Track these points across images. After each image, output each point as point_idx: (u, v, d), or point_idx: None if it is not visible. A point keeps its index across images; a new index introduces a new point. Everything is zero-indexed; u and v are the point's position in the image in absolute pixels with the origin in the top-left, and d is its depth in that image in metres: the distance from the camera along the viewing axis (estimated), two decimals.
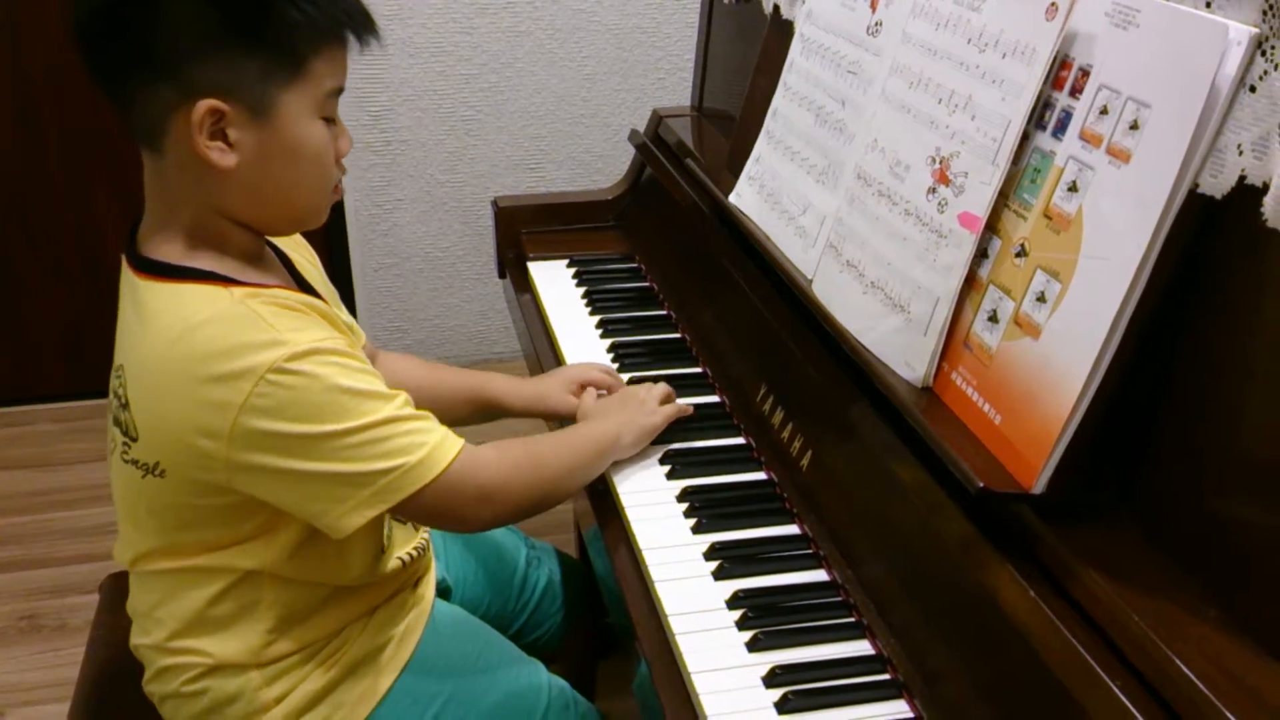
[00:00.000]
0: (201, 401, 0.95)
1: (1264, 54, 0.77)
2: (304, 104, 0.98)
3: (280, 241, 1.14)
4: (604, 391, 1.34)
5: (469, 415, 1.35)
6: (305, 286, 1.13)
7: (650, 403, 1.27)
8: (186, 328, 0.96)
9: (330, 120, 1.01)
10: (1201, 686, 0.72)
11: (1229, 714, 0.70)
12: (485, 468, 1.07)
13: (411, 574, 1.19)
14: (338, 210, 2.60)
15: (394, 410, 1.00)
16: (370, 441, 0.98)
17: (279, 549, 1.04)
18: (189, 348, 0.96)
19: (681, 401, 1.31)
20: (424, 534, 1.22)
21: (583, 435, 1.22)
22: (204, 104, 0.94)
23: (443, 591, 1.31)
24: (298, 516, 1.02)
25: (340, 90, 1.01)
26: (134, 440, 1.01)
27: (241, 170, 0.97)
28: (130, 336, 1.03)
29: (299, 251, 1.18)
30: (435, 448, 1.02)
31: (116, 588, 1.36)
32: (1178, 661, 0.74)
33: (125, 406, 1.02)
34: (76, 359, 2.69)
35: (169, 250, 1.01)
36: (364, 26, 1.01)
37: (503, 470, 1.09)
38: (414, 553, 1.17)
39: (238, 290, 0.98)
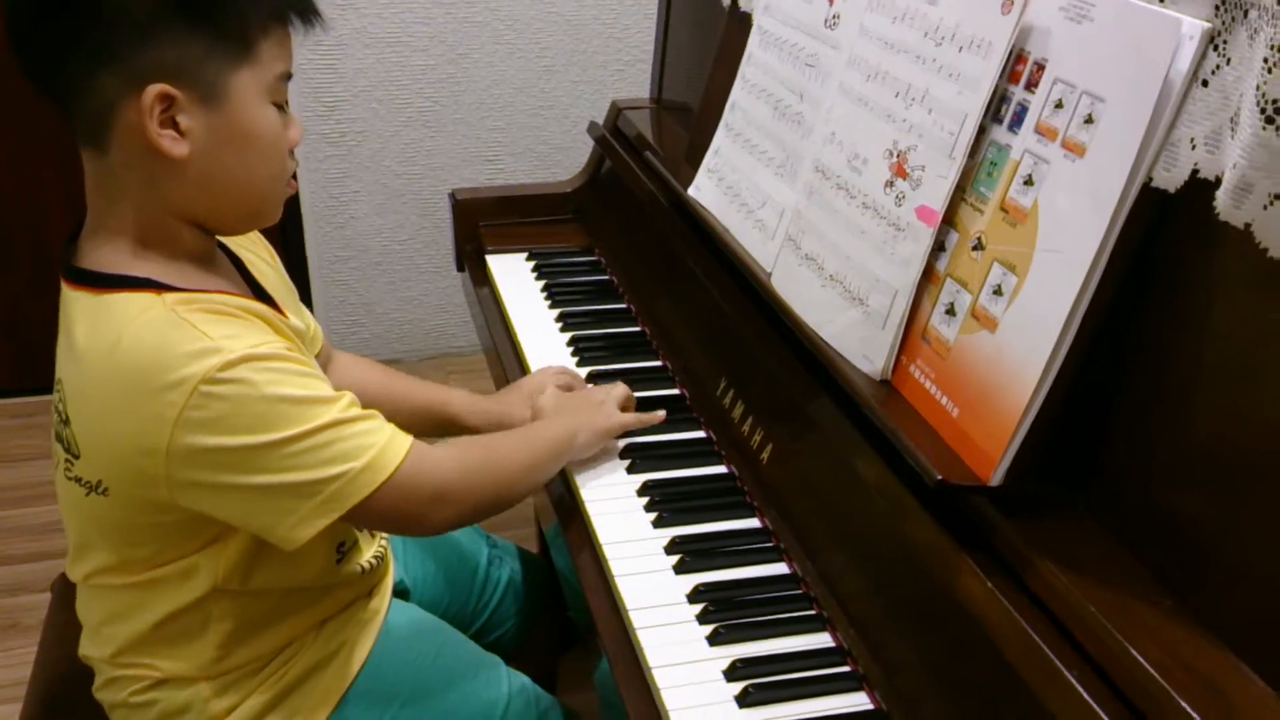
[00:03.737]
0: (137, 418, 0.91)
1: (1216, 49, 0.77)
2: (255, 87, 0.95)
3: (233, 242, 1.11)
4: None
5: (423, 430, 1.29)
6: (257, 289, 1.09)
7: (609, 405, 1.25)
8: (117, 341, 0.92)
9: (280, 107, 0.98)
10: (1157, 676, 0.73)
11: (1183, 703, 0.71)
12: (439, 467, 1.03)
13: (367, 584, 1.16)
14: (293, 203, 2.58)
15: (338, 413, 0.96)
16: (314, 448, 0.94)
17: (230, 560, 1.01)
18: (121, 362, 0.92)
19: (639, 394, 1.31)
20: (382, 541, 1.20)
21: (539, 435, 1.20)
22: (153, 89, 0.90)
23: (400, 592, 1.29)
24: (246, 530, 0.99)
25: (289, 75, 0.98)
26: (76, 458, 0.98)
27: (194, 160, 0.94)
28: (66, 351, 0.99)
29: (254, 250, 1.15)
30: (383, 449, 0.98)
31: (68, 587, 1.33)
32: (1133, 651, 0.75)
33: (66, 423, 0.99)
34: (23, 353, 2.64)
35: (110, 257, 0.96)
36: (308, 8, 0.98)
37: (457, 470, 1.06)
38: (373, 561, 1.15)
39: (170, 297, 0.94)
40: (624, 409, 1.27)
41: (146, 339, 0.91)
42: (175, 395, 0.90)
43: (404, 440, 1.01)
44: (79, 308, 0.96)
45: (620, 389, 1.29)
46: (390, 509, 1.00)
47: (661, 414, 1.30)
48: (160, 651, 1.04)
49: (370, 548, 1.16)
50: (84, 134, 0.95)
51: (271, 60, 0.96)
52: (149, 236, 0.97)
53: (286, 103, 1.00)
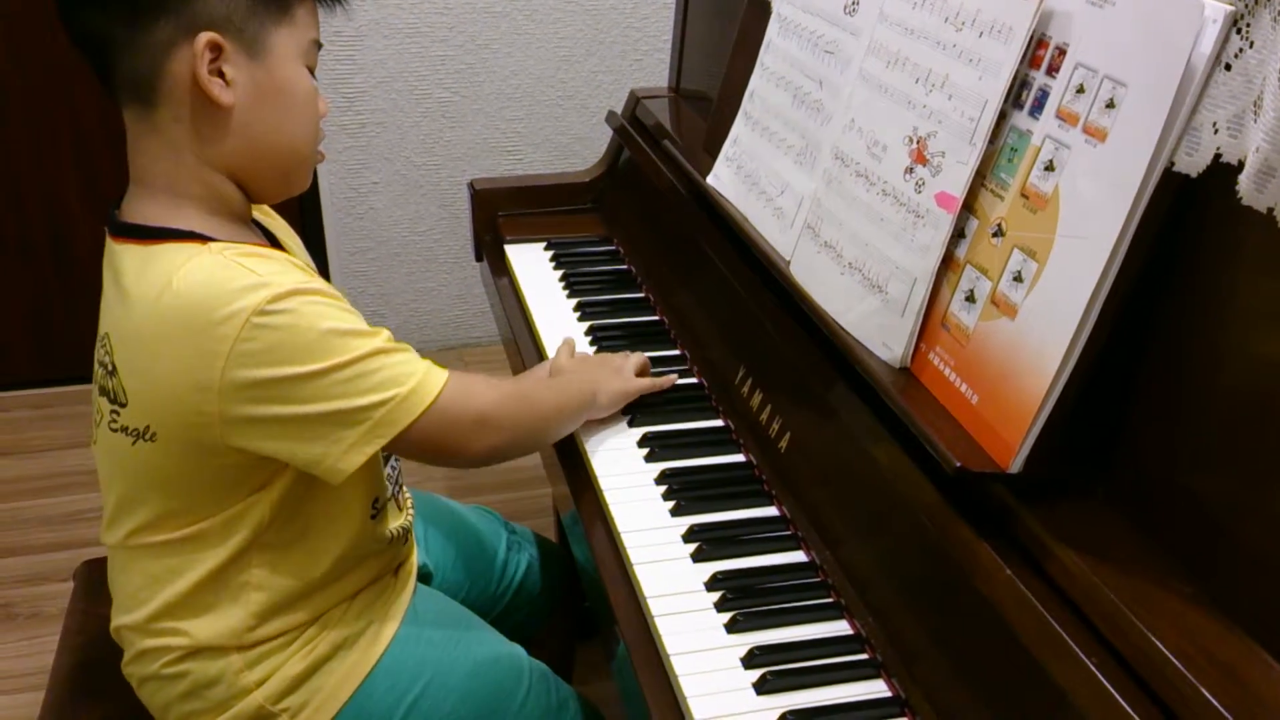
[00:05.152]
0: (189, 355, 0.95)
1: (1239, 32, 0.76)
2: (292, 47, 1.01)
3: (265, 222, 1.15)
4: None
5: None
6: None
7: (627, 369, 1.29)
8: (167, 285, 0.96)
9: (312, 74, 1.03)
10: (1177, 663, 0.73)
11: (1204, 690, 0.71)
12: (478, 392, 1.08)
13: (393, 559, 1.18)
14: (313, 194, 2.59)
15: (380, 343, 1.00)
16: (359, 375, 0.98)
17: (271, 510, 1.03)
18: (172, 302, 0.95)
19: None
20: (408, 515, 1.22)
21: (565, 383, 1.24)
22: (205, 36, 0.95)
23: (423, 577, 1.30)
24: (295, 466, 1.01)
25: (319, 44, 1.04)
26: (123, 406, 1.01)
27: (238, 112, 0.99)
28: (113, 303, 1.02)
29: (285, 234, 1.18)
30: (425, 376, 1.02)
31: (90, 575, 1.35)
32: (1153, 638, 0.75)
33: (113, 373, 1.01)
34: (45, 345, 2.66)
35: (156, 211, 1.01)
36: None
37: (496, 398, 1.10)
38: (400, 530, 1.17)
39: (215, 245, 0.98)
40: (640, 376, 1.30)
41: (197, 279, 0.95)
42: (227, 329, 0.93)
43: (441, 370, 1.05)
44: (126, 259, 1.00)
45: (637, 356, 1.32)
46: (434, 434, 1.03)
47: (673, 377, 1.33)
48: (196, 615, 1.06)
49: (399, 518, 1.18)
50: (129, 91, 0.99)
51: (306, 24, 1.02)
52: (192, 192, 1.01)
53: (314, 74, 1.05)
